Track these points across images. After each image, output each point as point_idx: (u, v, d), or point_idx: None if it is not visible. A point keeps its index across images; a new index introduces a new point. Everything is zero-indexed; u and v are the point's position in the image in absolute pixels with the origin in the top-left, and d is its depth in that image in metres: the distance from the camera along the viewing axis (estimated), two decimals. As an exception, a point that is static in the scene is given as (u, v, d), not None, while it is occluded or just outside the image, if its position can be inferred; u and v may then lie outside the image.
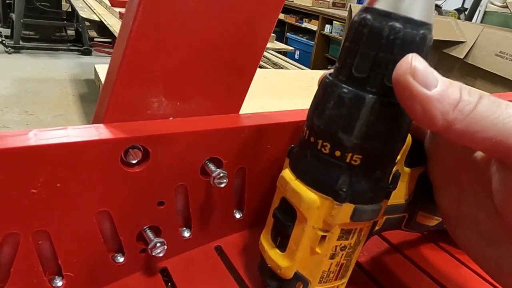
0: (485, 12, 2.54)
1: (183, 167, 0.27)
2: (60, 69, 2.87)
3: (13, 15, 3.06)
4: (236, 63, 0.28)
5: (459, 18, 2.47)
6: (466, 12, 2.61)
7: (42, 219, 0.23)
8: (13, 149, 0.21)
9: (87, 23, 3.01)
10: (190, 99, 0.28)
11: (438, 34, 1.78)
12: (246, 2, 0.26)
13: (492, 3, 2.54)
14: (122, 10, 1.65)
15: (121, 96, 0.25)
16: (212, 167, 0.28)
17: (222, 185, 0.27)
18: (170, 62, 0.26)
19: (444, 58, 1.86)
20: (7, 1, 3.54)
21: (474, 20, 2.52)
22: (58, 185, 0.23)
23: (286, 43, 3.46)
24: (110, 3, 1.79)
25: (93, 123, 0.26)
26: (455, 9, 2.76)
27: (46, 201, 0.23)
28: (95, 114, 0.27)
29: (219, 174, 0.27)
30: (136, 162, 0.25)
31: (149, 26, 0.24)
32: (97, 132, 0.24)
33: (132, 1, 0.24)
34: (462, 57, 1.77)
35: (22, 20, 3.03)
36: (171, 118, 0.28)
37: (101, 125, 0.25)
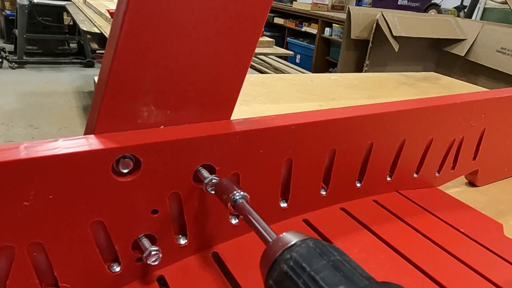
0: (484, 8, 2.53)
1: (175, 174, 0.28)
2: (63, 82, 2.90)
3: (16, 31, 3.10)
4: (225, 69, 0.28)
5: (458, 16, 2.46)
6: (466, 10, 2.60)
7: (36, 231, 0.24)
8: (4, 162, 0.21)
9: (88, 36, 3.04)
10: (180, 107, 0.28)
11: (438, 32, 1.78)
12: (232, 8, 0.26)
13: (491, 0, 2.53)
14: (122, 21, 1.66)
15: (111, 106, 0.25)
16: (204, 173, 0.28)
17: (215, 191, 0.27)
18: (159, 71, 0.26)
19: (445, 56, 1.86)
20: (10, 17, 3.60)
21: (473, 17, 2.51)
22: (51, 196, 0.23)
23: (286, 48, 3.47)
24: (110, 15, 1.80)
25: (85, 133, 0.26)
26: (454, 7, 2.75)
27: (39, 213, 0.23)
28: (87, 125, 0.27)
29: (211, 180, 0.27)
30: (128, 172, 0.25)
31: (136, 34, 0.24)
32: (87, 143, 0.24)
33: (119, 11, 0.24)
34: (463, 54, 1.76)
35: (25, 36, 3.07)
36: (161, 127, 0.28)
37: (92, 135, 0.25)
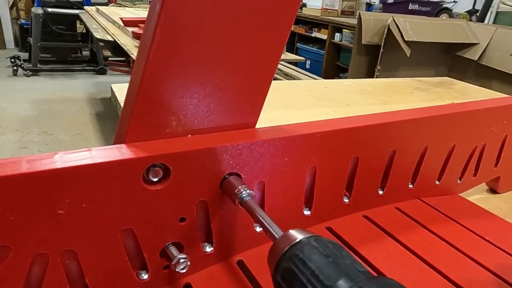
0: (497, 12, 2.51)
1: (203, 183, 0.28)
2: (76, 89, 2.94)
3: (31, 39, 3.16)
4: (251, 77, 0.29)
5: (470, 20, 2.44)
6: (478, 14, 2.58)
7: (69, 239, 0.24)
8: (41, 172, 0.22)
9: (101, 44, 3.08)
10: (207, 116, 0.28)
11: (450, 37, 1.76)
12: (258, 18, 0.27)
13: (504, 3, 2.50)
14: (135, 29, 1.68)
15: (141, 115, 0.26)
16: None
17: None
18: (187, 80, 0.26)
19: (457, 60, 1.84)
20: (24, 26, 3.67)
21: (486, 21, 2.48)
22: (84, 205, 0.24)
23: (296, 53, 3.47)
24: (123, 23, 1.83)
25: (114, 142, 0.27)
26: (466, 11, 2.73)
27: (72, 221, 0.24)
28: (116, 134, 0.28)
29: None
30: (158, 180, 0.26)
31: (166, 47, 0.24)
32: (119, 152, 0.25)
33: (150, 22, 0.24)
34: (476, 59, 1.74)
35: (39, 44, 3.12)
36: (189, 136, 0.28)
37: (123, 145, 0.25)
